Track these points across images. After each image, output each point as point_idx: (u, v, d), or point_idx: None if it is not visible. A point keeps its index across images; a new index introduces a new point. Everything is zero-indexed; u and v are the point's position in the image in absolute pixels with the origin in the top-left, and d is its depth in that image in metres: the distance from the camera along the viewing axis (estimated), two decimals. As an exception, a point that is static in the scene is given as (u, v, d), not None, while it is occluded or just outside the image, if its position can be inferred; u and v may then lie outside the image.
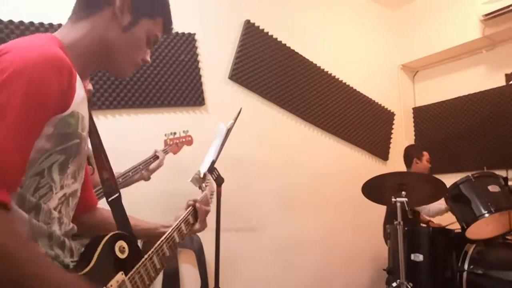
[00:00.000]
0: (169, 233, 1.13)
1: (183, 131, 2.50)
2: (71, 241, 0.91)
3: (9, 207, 0.69)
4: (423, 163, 3.45)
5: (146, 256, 1.00)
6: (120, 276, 0.90)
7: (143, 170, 2.19)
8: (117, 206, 1.06)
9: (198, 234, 2.78)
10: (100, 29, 0.95)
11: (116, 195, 1.07)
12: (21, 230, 0.72)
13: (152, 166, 2.22)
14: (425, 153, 3.50)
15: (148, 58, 1.06)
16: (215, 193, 1.65)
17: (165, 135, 2.45)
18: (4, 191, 0.68)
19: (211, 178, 1.76)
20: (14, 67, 0.73)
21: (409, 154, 3.53)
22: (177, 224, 1.19)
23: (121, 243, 0.94)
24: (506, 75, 3.55)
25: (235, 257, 2.96)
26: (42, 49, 0.79)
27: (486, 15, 3.41)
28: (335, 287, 3.52)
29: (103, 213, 1.16)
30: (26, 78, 0.73)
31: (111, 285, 0.87)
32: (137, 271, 0.95)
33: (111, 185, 1.07)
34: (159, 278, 2.68)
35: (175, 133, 2.47)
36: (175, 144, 2.45)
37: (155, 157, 2.25)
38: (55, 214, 0.86)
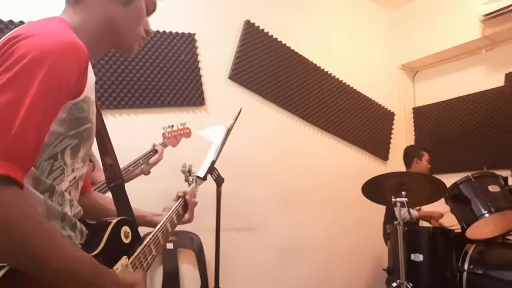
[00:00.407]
0: (163, 223, 1.18)
1: (181, 124, 2.49)
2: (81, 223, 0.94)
3: (21, 185, 0.70)
4: (423, 163, 3.44)
5: (145, 243, 1.04)
6: (124, 260, 0.93)
7: (143, 165, 2.19)
8: (119, 191, 1.08)
9: (198, 234, 2.80)
10: (102, 9, 0.95)
11: (119, 181, 1.09)
12: (33, 208, 0.73)
13: (152, 160, 2.21)
14: (425, 153, 3.49)
15: (150, 28, 1.07)
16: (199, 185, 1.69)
17: (163, 128, 2.44)
18: (18, 169, 0.69)
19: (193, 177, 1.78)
20: (36, 52, 0.74)
21: (410, 154, 3.52)
22: (169, 215, 1.24)
23: (125, 228, 0.98)
24: (506, 75, 3.55)
25: (235, 257, 2.96)
26: (63, 36, 0.81)
27: (486, 15, 3.41)
28: (335, 287, 3.53)
29: (95, 198, 1.18)
30: (47, 64, 0.74)
31: (117, 268, 0.90)
32: (137, 256, 0.99)
33: (115, 171, 1.09)
34: (159, 278, 2.68)
35: (172, 126, 2.46)
36: (174, 136, 2.44)
37: (154, 151, 2.25)
38: (67, 196, 0.89)
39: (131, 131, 2.68)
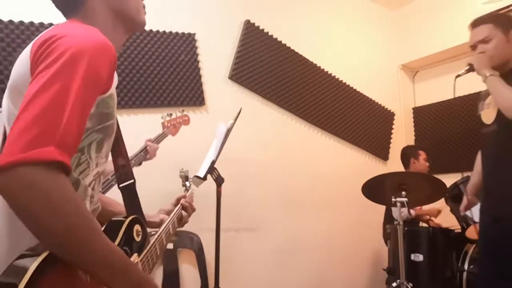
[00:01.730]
0: (166, 225, 1.22)
1: (179, 111, 2.49)
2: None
3: (69, 173, 0.74)
4: (421, 162, 3.43)
5: (152, 242, 1.08)
6: (135, 257, 0.97)
7: (136, 165, 2.21)
8: (130, 192, 1.11)
9: (198, 234, 2.80)
10: (101, 4, 0.97)
11: (131, 181, 1.11)
12: (79, 197, 0.78)
13: (145, 159, 2.25)
14: (421, 152, 3.48)
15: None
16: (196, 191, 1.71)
17: (162, 117, 2.43)
18: (68, 157, 0.73)
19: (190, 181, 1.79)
20: (74, 49, 0.78)
21: (406, 155, 3.52)
22: (171, 218, 1.28)
23: (137, 227, 1.01)
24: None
25: (235, 257, 2.96)
26: (96, 36, 0.85)
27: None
28: (334, 287, 3.52)
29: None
30: (86, 60, 0.78)
31: None
32: (146, 255, 1.02)
33: (127, 172, 1.11)
34: (159, 278, 2.68)
35: (171, 114, 2.45)
36: (173, 125, 2.43)
37: (145, 150, 2.25)
38: (89, 191, 0.92)
39: (131, 131, 2.64)
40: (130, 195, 1.10)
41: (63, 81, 0.74)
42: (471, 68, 2.09)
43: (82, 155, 0.87)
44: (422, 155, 3.46)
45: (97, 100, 0.85)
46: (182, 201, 1.40)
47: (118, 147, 1.10)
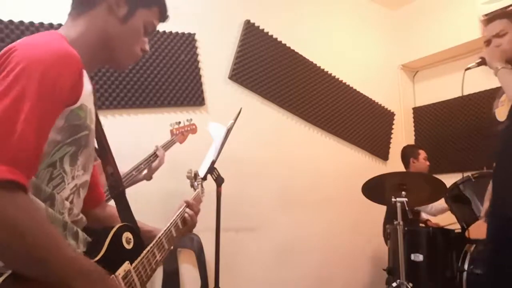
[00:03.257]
0: (167, 228, 1.17)
1: (187, 120, 2.55)
2: (83, 232, 0.94)
3: (27, 190, 0.72)
4: (421, 162, 3.43)
5: (148, 248, 1.04)
6: (126, 265, 0.94)
7: (145, 170, 2.21)
8: (121, 199, 1.10)
9: (198, 234, 2.80)
10: (99, 23, 0.97)
11: (120, 188, 1.10)
12: (39, 213, 0.76)
13: (154, 165, 2.24)
14: (421, 151, 3.48)
15: (147, 48, 1.08)
16: (205, 192, 1.68)
17: (170, 125, 2.48)
18: (22, 174, 0.71)
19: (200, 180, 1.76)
20: (27, 61, 0.76)
21: (405, 155, 3.52)
22: (174, 220, 1.23)
23: (127, 234, 0.98)
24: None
25: (235, 257, 2.96)
26: (52, 44, 0.83)
27: (486, 15, 3.41)
28: (334, 287, 3.52)
29: (111, 209, 1.19)
30: (39, 72, 0.76)
31: (119, 274, 0.90)
32: (141, 261, 0.99)
33: (116, 180, 1.10)
34: (159, 278, 2.68)
35: (179, 122, 2.51)
36: (181, 133, 2.49)
37: (154, 155, 2.26)
38: (67, 204, 0.90)
39: (131, 131, 2.68)
40: (122, 202, 1.09)
41: (14, 95, 0.72)
42: (482, 62, 1.96)
43: (54, 170, 0.85)
44: (422, 154, 3.45)
45: (66, 112, 0.83)
46: (187, 200, 1.33)
47: (106, 156, 1.09)
